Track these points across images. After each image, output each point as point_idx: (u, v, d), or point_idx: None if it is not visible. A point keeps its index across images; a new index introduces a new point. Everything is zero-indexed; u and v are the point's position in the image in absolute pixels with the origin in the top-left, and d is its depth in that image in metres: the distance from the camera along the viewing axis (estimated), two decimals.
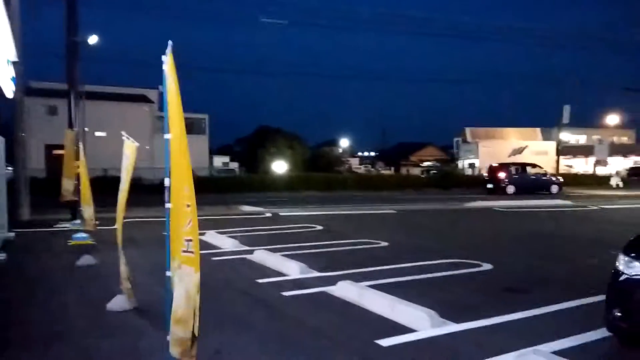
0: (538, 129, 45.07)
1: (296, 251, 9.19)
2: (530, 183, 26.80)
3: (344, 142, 75.94)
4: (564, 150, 40.54)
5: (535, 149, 39.86)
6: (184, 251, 3.15)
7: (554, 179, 27.89)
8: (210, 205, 18.78)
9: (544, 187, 27.08)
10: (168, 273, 3.30)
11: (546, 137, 47.00)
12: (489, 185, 27.18)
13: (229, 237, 10.56)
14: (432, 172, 40.63)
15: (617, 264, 4.43)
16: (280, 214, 16.07)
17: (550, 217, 16.11)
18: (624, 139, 65.86)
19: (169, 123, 3.45)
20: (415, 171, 48.82)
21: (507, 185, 26.38)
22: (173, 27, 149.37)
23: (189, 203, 3.16)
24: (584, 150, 51.12)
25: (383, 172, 56.67)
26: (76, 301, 6.16)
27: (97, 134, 39.68)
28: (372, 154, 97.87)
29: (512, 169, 27.50)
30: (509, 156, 37.66)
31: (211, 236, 10.76)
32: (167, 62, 3.29)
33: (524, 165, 28.58)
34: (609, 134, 62.92)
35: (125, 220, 6.30)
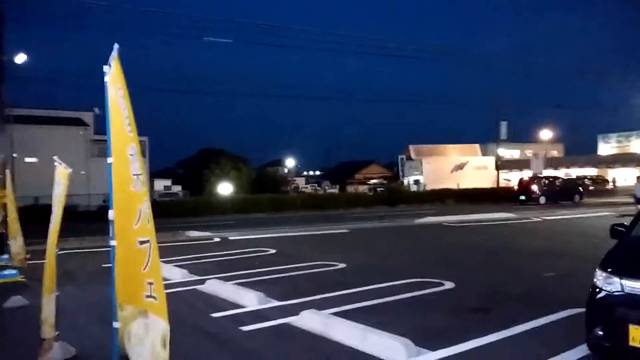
0: (477, 145, 46.81)
1: (251, 278, 8.66)
2: (556, 193, 29.93)
3: (290, 162, 75.78)
4: (502, 164, 42.19)
5: (475, 164, 41.28)
6: (147, 296, 2.56)
7: (576, 189, 31.26)
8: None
9: (569, 196, 30.26)
10: (115, 324, 2.73)
11: (484, 153, 48.89)
12: (522, 197, 29.95)
13: (177, 266, 9.87)
14: (378, 189, 41.03)
15: (595, 280, 4.29)
16: (230, 238, 15.41)
17: (498, 230, 16.41)
18: (554, 153, 69.79)
19: (112, 144, 2.89)
20: (362, 189, 49.20)
21: (539, 196, 29.31)
22: (111, 44, 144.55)
23: (145, 238, 2.60)
24: (521, 164, 53.52)
25: (330, 191, 56.74)
26: (1, 350, 5.35)
27: (28, 160, 37.23)
28: (318, 173, 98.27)
29: (543, 181, 30.77)
30: (452, 172, 38.80)
31: None
32: (111, 72, 2.77)
33: (551, 178, 32.20)
34: (541, 148, 66.42)
35: (59, 253, 5.56)
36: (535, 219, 19.66)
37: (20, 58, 15.59)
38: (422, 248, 12.84)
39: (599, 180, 55.86)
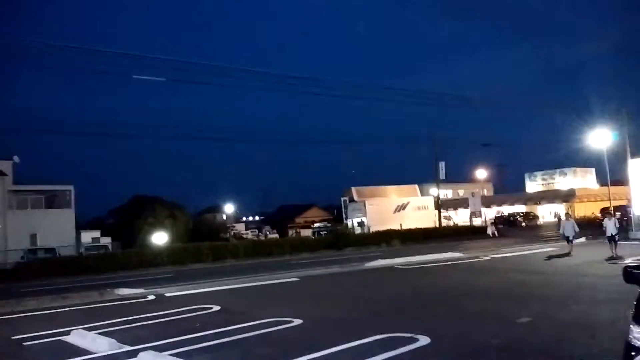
0: (416, 186, 47.58)
1: (194, 345, 7.34)
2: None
3: (228, 208, 73.44)
4: (442, 204, 42.89)
5: (416, 204, 41.70)
6: None
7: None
8: (77, 290, 15.75)
9: None
10: None
11: (422, 193, 49.75)
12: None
13: (102, 334, 8.32)
14: (322, 232, 40.20)
15: (630, 338, 3.52)
16: (166, 294, 13.79)
17: (451, 271, 15.92)
18: (485, 192, 72.61)
19: None
20: (305, 233, 48.14)
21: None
22: (33, 88, 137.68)
23: None
24: (459, 203, 54.89)
25: (271, 236, 55.19)
26: None
27: None
28: (257, 218, 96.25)
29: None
30: (394, 212, 38.86)
31: (79, 335, 8.40)
32: None
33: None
34: (471, 187, 68.91)
35: None
36: (483, 258, 19.42)
37: None
38: (380, 295, 11.92)
39: (530, 217, 58.30)
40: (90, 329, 8.99)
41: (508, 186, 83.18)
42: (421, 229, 35.44)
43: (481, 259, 19.13)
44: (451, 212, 56.39)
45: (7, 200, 36.80)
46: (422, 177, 56.04)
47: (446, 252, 21.88)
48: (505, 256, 19.88)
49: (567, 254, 17.61)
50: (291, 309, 10.01)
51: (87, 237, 43.93)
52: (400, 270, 16.86)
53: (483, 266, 16.93)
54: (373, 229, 36.54)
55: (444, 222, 41.84)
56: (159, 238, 38.73)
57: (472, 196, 41.44)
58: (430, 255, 20.62)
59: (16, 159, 37.65)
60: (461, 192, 71.47)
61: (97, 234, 46.25)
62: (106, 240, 43.16)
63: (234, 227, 67.85)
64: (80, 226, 49.55)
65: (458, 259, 19.66)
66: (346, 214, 44.49)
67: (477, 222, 41.85)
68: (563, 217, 26.98)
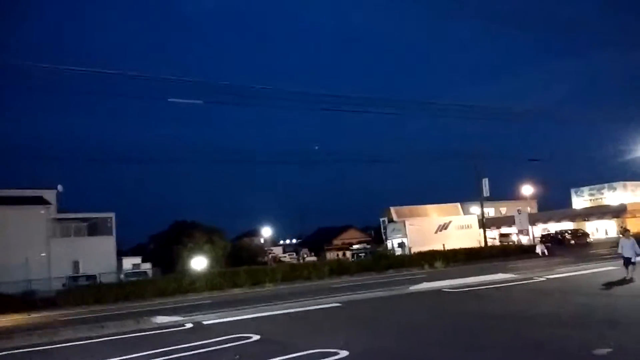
0: (458, 204, 46.08)
1: None
2: None
3: (266, 231, 73.25)
4: (486, 222, 41.25)
5: (459, 224, 40.21)
6: None
7: None
8: (114, 319, 15.45)
9: None
10: None
11: (464, 211, 48.10)
12: None
13: None
14: (361, 254, 39.19)
15: None
16: (204, 322, 13.23)
17: (506, 295, 14.74)
18: (529, 209, 69.74)
19: None
20: (344, 255, 47.19)
21: None
22: (72, 118, 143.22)
23: None
24: (505, 222, 52.63)
25: (309, 259, 54.48)
26: None
27: None
28: (294, 241, 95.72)
29: None
30: (436, 232, 37.54)
31: None
32: None
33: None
34: (515, 205, 66.37)
35: None
36: (538, 279, 18.05)
37: None
38: (430, 322, 10.97)
39: (579, 234, 55.52)
40: None
41: (552, 202, 79.81)
42: (465, 249, 33.98)
43: (536, 280, 17.77)
44: (496, 231, 54.16)
45: (51, 228, 37.63)
46: (461, 195, 54.41)
47: (496, 273, 20.60)
48: (562, 277, 18.45)
49: (630, 280, 14.96)
50: (335, 339, 9.23)
51: (128, 263, 44.43)
52: (448, 294, 15.78)
53: (540, 288, 15.66)
54: (414, 249, 35.34)
55: (490, 242, 40.09)
56: (198, 263, 38.65)
57: (519, 213, 39.61)
58: (480, 277, 19.40)
59: (60, 188, 38.67)
60: (503, 210, 68.91)
61: (138, 260, 46.76)
62: (146, 266, 43.50)
63: (271, 250, 67.52)
64: (124, 252, 50.34)
65: (510, 280, 18.37)
66: (385, 234, 43.34)
67: (524, 240, 39.91)
68: (621, 235, 24.71)
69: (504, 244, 39.19)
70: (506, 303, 13.05)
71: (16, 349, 11.08)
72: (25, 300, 24.78)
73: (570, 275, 18.65)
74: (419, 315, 12.18)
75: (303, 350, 8.35)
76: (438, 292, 16.55)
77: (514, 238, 39.73)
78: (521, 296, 14.15)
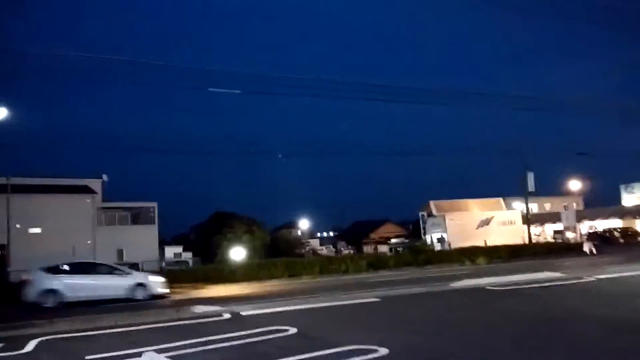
0: (501, 199, 44.68)
1: None
2: None
3: (304, 224, 73.49)
4: (530, 218, 39.90)
5: (501, 219, 39.00)
6: None
7: None
8: (155, 307, 15.69)
9: None
10: None
11: (507, 207, 46.60)
12: None
13: (173, 357, 7.75)
14: (399, 249, 38.60)
15: None
16: (242, 313, 13.20)
17: (554, 294, 14.08)
18: (575, 205, 67.00)
19: None
20: (381, 249, 46.66)
21: None
22: (117, 109, 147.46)
23: None
24: (550, 218, 50.80)
25: (346, 252, 54.26)
26: None
27: (32, 230, 35.75)
28: (331, 234, 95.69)
29: None
30: (477, 228, 36.53)
31: (149, 359, 7.88)
32: None
33: None
34: (560, 201, 63.90)
35: None
36: (588, 278, 17.16)
37: (0, 113, 14.09)
38: (475, 322, 10.51)
39: (629, 233, 52.95)
40: (162, 351, 8.51)
41: (600, 199, 76.38)
42: (509, 245, 32.91)
43: (585, 279, 16.90)
44: (539, 228, 52.18)
45: (97, 217, 38.83)
46: (502, 190, 52.82)
47: (542, 271, 19.77)
48: (614, 277, 17.46)
49: None
50: (374, 335, 8.97)
51: (170, 252, 45.52)
52: (493, 293, 15.19)
53: (590, 288, 14.86)
54: (454, 245, 34.48)
55: (535, 239, 38.73)
56: (237, 253, 39.06)
57: (565, 210, 38.08)
58: (525, 275, 18.65)
59: (105, 177, 39.83)
60: (548, 206, 66.48)
61: (179, 249, 47.85)
62: (187, 256, 44.39)
63: (309, 243, 67.69)
64: (166, 242, 51.52)
65: (558, 279, 17.56)
66: (424, 229, 42.56)
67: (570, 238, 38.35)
68: None
69: (558, 241, 37.70)
70: (557, 303, 12.42)
71: (54, 334, 11.34)
72: None
73: (622, 276, 17.63)
74: (462, 313, 11.72)
75: (341, 346, 8.12)
76: (482, 289, 15.99)
77: (569, 235, 38.07)
78: (572, 296, 13.45)
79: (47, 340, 10.66)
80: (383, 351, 7.69)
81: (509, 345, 7.94)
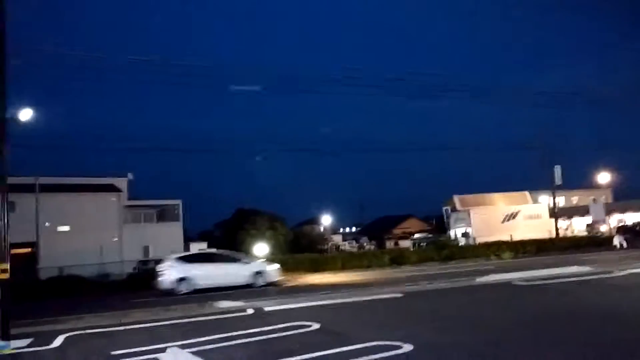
0: (527, 193, 43.75)
1: None
2: None
3: (326, 219, 73.42)
4: (558, 212, 39.03)
5: (527, 213, 38.23)
6: None
7: None
8: (179, 302, 15.84)
9: None
10: None
11: (533, 200, 45.63)
12: None
13: (198, 353, 7.78)
14: (422, 244, 38.18)
15: None
16: (265, 308, 13.21)
17: (588, 289, 13.65)
18: (603, 198, 65.18)
19: None
20: (404, 244, 46.29)
21: None
22: (139, 108, 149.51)
23: None
24: (578, 211, 49.56)
25: (368, 247, 54.02)
26: None
27: (60, 228, 36.57)
28: (354, 229, 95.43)
29: None
30: (503, 222, 35.88)
31: (173, 354, 7.93)
32: None
33: None
34: (587, 194, 62.31)
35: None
36: (619, 273, 16.65)
37: (25, 114, 14.35)
38: (503, 317, 10.26)
39: None
40: (186, 346, 8.55)
41: (630, 192, 74.08)
42: (535, 240, 32.24)
43: (617, 274, 16.41)
44: (566, 222, 50.84)
45: (123, 215, 39.50)
46: (528, 184, 51.77)
47: (571, 266, 19.28)
48: None
49: None
50: (398, 331, 8.83)
51: (195, 248, 45.97)
52: (521, 288, 14.84)
53: (622, 284, 14.38)
54: (479, 240, 33.94)
55: (562, 233, 37.83)
56: (260, 249, 39.25)
57: (594, 203, 37.09)
58: (553, 269, 18.21)
59: (130, 176, 40.44)
60: (575, 200, 64.92)
61: (204, 245, 48.33)
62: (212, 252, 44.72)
63: (331, 238, 67.64)
64: (191, 238, 52.11)
65: (588, 273, 17.08)
66: (448, 224, 42.04)
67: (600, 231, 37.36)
68: None
69: (591, 234, 36.68)
70: (588, 299, 12.04)
71: (81, 330, 11.52)
72: (99, 282, 26.04)
73: None
74: (489, 308, 11.48)
75: (365, 342, 8.01)
76: (508, 284, 15.64)
77: (603, 229, 37.00)
78: (604, 292, 13.04)
79: (74, 335, 10.84)
80: (407, 347, 7.54)
81: (538, 342, 7.70)
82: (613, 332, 7.97)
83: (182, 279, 19.32)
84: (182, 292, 18.86)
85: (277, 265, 21.78)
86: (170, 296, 18.48)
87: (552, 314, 10.16)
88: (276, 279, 20.93)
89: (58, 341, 10.18)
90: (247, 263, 21.03)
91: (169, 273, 19.52)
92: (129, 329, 11.42)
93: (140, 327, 11.59)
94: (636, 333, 7.84)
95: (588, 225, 36.80)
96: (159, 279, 19.75)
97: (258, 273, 20.43)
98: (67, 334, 10.87)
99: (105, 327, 11.77)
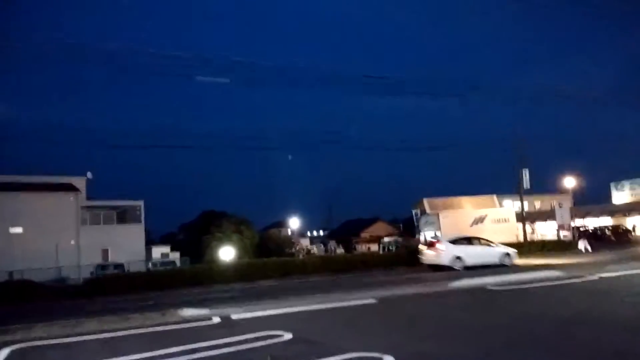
0: (494, 196, 44.18)
1: None
2: None
3: (294, 223, 72.69)
4: (525, 216, 39.57)
5: (495, 217, 38.51)
6: None
7: None
8: (140, 310, 14.82)
9: None
10: None
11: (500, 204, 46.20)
12: None
13: None
14: (391, 247, 37.97)
15: None
16: (233, 316, 12.42)
17: (561, 294, 13.54)
18: (566, 204, 66.91)
19: None
20: (373, 248, 46.03)
21: None
22: (102, 102, 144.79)
23: None
24: (540, 216, 50.53)
25: (338, 251, 53.58)
26: None
27: (13, 230, 34.56)
28: (321, 233, 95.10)
29: None
30: (471, 226, 36.00)
31: None
32: None
33: None
34: (549, 199, 63.77)
35: None
36: (590, 277, 16.64)
37: None
38: (482, 324, 9.85)
39: (620, 231, 53.00)
40: None
41: (589, 197, 76.40)
42: (504, 243, 32.34)
43: (588, 278, 16.37)
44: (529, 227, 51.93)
45: (81, 216, 37.71)
46: (492, 187, 52.40)
47: (541, 270, 19.24)
48: (616, 275, 16.98)
49: None
50: (376, 340, 8.30)
51: (157, 252, 44.46)
52: (494, 293, 14.57)
53: (595, 288, 14.32)
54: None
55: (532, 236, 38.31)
56: (226, 253, 38.21)
57: (560, 207, 37.68)
58: (525, 274, 18.10)
59: (89, 175, 38.69)
60: (537, 204, 66.31)
61: (167, 249, 46.79)
62: (175, 256, 43.39)
63: (299, 242, 66.97)
64: (154, 241, 50.40)
65: (559, 278, 17.00)
66: (418, 227, 41.97)
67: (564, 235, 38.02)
68: None
69: (559, 239, 37.15)
70: (562, 303, 11.83)
71: (29, 341, 10.48)
72: (55, 288, 24.57)
73: (625, 274, 17.17)
74: (466, 315, 11.06)
75: (342, 353, 7.42)
76: (482, 289, 15.36)
77: (566, 233, 37.59)
78: (577, 296, 12.89)
79: (21, 348, 9.81)
80: (388, 359, 7.00)
81: (517, 346, 7.27)
82: (602, 339, 7.62)
83: (457, 258, 22.64)
84: (456, 268, 22.10)
85: (515, 250, 24.69)
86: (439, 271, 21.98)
87: (528, 319, 9.80)
88: (516, 261, 23.80)
89: (2, 354, 9.16)
90: (497, 246, 24.15)
91: (447, 252, 22.87)
92: (82, 340, 10.45)
93: (97, 338, 10.62)
94: (627, 338, 7.52)
95: (559, 229, 37.53)
96: (434, 255, 23.39)
97: (506, 255, 23.57)
98: (13, 347, 9.83)
99: (57, 338, 10.73)
